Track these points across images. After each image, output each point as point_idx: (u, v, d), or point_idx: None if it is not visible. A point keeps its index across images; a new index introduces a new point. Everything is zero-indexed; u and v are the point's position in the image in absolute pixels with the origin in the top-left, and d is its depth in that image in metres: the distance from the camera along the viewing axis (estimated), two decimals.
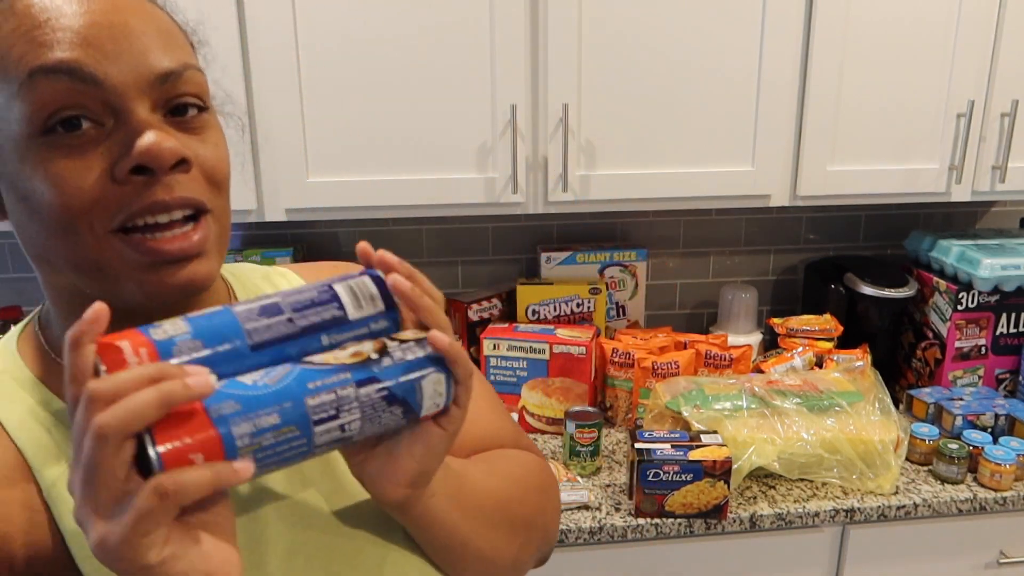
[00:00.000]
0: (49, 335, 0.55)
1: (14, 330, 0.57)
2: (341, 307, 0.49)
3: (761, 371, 1.62)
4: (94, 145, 0.45)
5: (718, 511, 1.30)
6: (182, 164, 0.47)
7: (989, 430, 1.49)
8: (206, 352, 0.43)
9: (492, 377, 1.66)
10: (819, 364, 1.63)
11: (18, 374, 0.53)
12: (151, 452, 0.38)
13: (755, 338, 1.81)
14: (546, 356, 1.56)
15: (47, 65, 0.43)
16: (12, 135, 0.45)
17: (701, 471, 1.27)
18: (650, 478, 1.27)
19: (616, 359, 1.62)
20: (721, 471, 1.27)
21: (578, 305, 1.73)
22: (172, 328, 0.43)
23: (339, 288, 0.49)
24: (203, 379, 0.39)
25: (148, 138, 0.45)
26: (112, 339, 0.41)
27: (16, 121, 0.44)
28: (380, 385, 0.47)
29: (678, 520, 1.30)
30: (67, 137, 0.44)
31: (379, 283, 0.51)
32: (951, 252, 1.66)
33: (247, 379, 0.43)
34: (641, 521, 1.30)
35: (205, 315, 0.45)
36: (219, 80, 1.33)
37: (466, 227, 1.83)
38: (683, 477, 1.27)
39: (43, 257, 0.49)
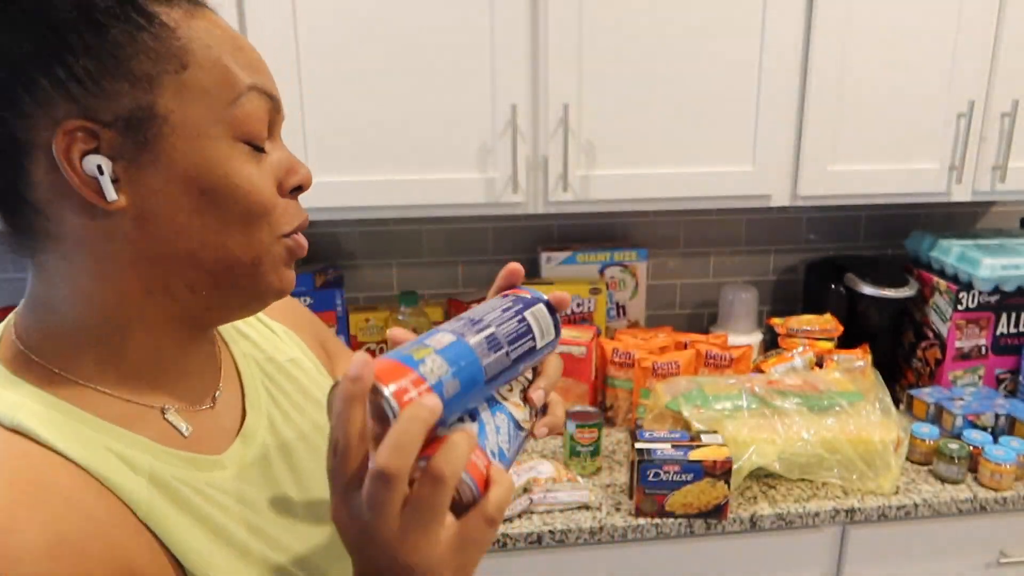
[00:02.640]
0: (56, 354, 0.52)
1: None
2: (533, 338, 0.54)
3: (761, 371, 1.62)
4: (261, 160, 0.53)
5: (719, 511, 1.29)
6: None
7: (989, 430, 1.49)
8: (459, 391, 0.47)
9: None
10: (819, 364, 1.63)
11: (56, 406, 0.51)
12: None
13: (755, 338, 1.81)
14: None
15: (261, 87, 0.52)
16: (210, 135, 0.50)
17: (701, 471, 1.27)
18: (650, 478, 1.27)
19: (616, 359, 1.62)
20: (721, 471, 1.27)
21: (578, 305, 1.73)
22: (435, 366, 0.47)
23: (529, 318, 0.55)
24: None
25: (305, 166, 0.57)
26: (402, 391, 0.44)
27: (219, 123, 0.50)
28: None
29: (678, 520, 1.30)
30: (255, 153, 0.52)
31: (551, 312, 0.56)
32: (951, 252, 1.66)
33: (495, 440, 0.50)
34: (641, 521, 1.30)
35: (450, 347, 0.48)
36: None
37: (466, 227, 1.83)
38: (683, 477, 1.27)
39: (182, 253, 0.51)
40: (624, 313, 1.83)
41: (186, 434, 0.55)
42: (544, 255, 1.76)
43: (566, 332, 1.62)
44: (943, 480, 1.42)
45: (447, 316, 1.78)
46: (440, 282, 1.86)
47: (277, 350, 0.69)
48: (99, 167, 0.47)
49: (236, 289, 0.54)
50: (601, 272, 1.78)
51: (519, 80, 1.40)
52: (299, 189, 0.56)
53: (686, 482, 1.28)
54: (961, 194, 1.57)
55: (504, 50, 1.38)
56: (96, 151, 0.47)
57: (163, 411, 0.55)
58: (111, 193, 0.48)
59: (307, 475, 0.62)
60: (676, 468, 1.27)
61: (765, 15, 1.42)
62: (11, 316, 0.55)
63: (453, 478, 0.44)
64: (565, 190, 1.46)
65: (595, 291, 1.72)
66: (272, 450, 0.60)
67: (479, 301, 1.74)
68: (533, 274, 1.86)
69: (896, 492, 1.38)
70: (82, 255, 0.50)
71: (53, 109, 0.46)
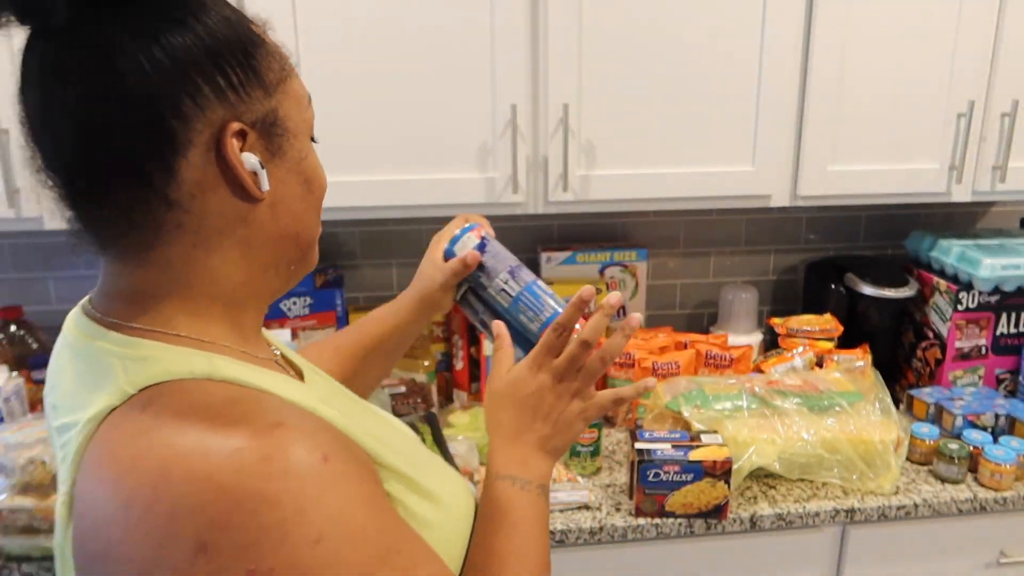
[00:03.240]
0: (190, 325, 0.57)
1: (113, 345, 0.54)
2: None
3: (761, 371, 1.62)
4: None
5: (718, 511, 1.29)
6: None
7: (989, 430, 1.49)
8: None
9: None
10: (819, 364, 1.63)
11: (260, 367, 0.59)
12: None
13: (755, 338, 1.81)
14: None
15: (310, 95, 0.63)
16: (303, 133, 0.60)
17: (701, 471, 1.27)
18: (650, 478, 1.27)
19: (617, 359, 1.61)
20: (721, 471, 1.27)
21: None
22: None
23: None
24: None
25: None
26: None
27: (304, 123, 0.60)
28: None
29: (678, 520, 1.30)
30: (312, 143, 0.62)
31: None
32: (951, 252, 1.66)
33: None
34: (641, 521, 1.30)
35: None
36: None
37: None
38: (683, 477, 1.27)
39: (292, 234, 0.60)
40: (624, 313, 1.83)
41: (292, 375, 0.64)
42: (544, 255, 1.76)
43: None
44: (943, 480, 1.42)
45: (447, 316, 1.78)
46: None
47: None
48: (259, 161, 0.55)
49: (306, 264, 0.64)
50: (601, 272, 1.78)
51: (519, 80, 1.40)
52: None
53: (686, 482, 1.28)
54: (961, 194, 1.57)
55: (504, 50, 1.38)
56: (243, 150, 0.54)
57: (276, 359, 0.64)
58: (266, 183, 0.56)
59: (355, 411, 0.69)
60: (676, 468, 1.27)
61: (765, 15, 1.42)
62: (98, 306, 0.57)
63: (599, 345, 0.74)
64: (565, 190, 1.46)
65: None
66: (331, 384, 0.72)
67: None
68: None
69: (896, 492, 1.38)
70: (219, 241, 0.56)
71: (210, 112, 0.52)
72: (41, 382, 1.48)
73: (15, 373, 1.46)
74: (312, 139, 0.62)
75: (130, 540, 0.44)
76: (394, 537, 0.51)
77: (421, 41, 1.37)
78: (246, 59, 0.54)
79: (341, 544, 0.46)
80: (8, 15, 0.48)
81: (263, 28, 0.58)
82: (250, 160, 0.54)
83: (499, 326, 0.80)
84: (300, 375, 0.69)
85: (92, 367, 0.54)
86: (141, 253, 0.55)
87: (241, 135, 0.54)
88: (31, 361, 1.48)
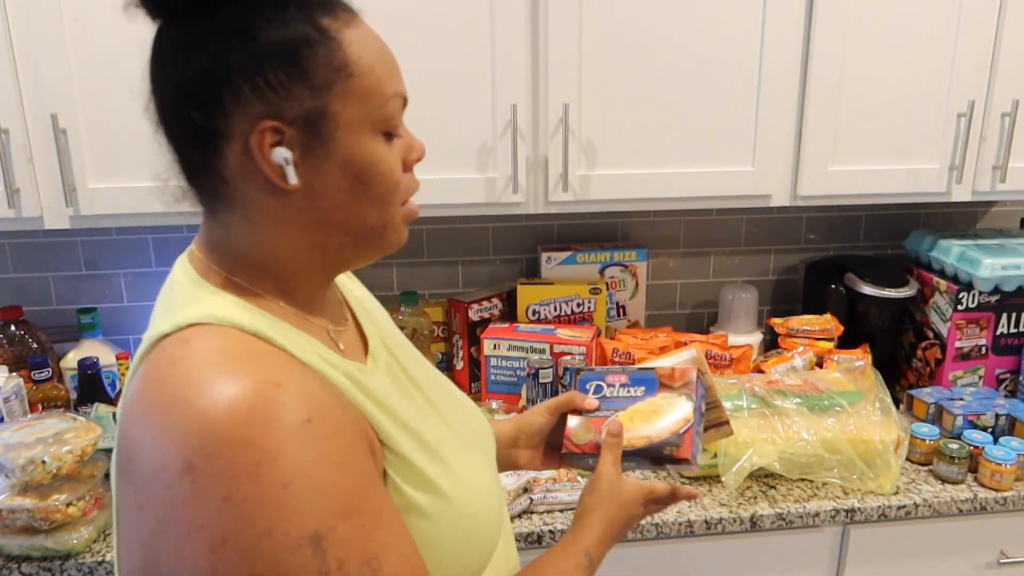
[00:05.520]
0: (277, 296, 0.66)
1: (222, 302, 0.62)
2: None
3: (761, 371, 1.62)
4: (393, 145, 0.65)
5: (675, 444, 0.88)
6: None
7: (989, 430, 1.49)
8: None
9: (492, 377, 1.66)
10: (819, 364, 1.63)
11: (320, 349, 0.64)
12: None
13: (755, 338, 1.81)
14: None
15: (401, 92, 0.65)
16: (364, 131, 0.62)
17: (655, 383, 0.93)
18: (590, 393, 0.95)
19: (616, 359, 1.62)
20: (682, 383, 0.93)
21: (579, 305, 1.73)
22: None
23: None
24: None
25: (420, 142, 0.69)
26: None
27: (369, 121, 0.62)
28: None
29: (678, 520, 1.30)
30: (389, 139, 0.64)
31: None
32: (951, 252, 1.66)
33: None
34: (641, 521, 1.30)
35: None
36: None
37: (466, 227, 1.83)
38: (632, 392, 0.93)
39: (337, 221, 0.63)
40: (624, 313, 1.83)
41: (342, 347, 0.70)
42: (544, 255, 1.76)
43: (566, 332, 1.63)
44: (943, 480, 1.42)
45: (447, 316, 1.78)
46: (440, 282, 1.86)
47: (362, 292, 0.85)
48: (285, 158, 0.59)
49: (368, 247, 0.67)
50: (601, 272, 1.78)
51: (519, 80, 1.40)
52: (416, 162, 0.69)
53: (637, 398, 0.93)
54: (961, 194, 1.57)
55: (504, 50, 1.38)
56: (280, 144, 0.59)
57: (327, 330, 0.69)
58: (293, 179, 0.60)
59: (422, 385, 0.76)
60: (623, 380, 0.95)
61: (765, 15, 1.42)
62: (193, 249, 0.67)
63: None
64: (565, 190, 1.46)
65: (595, 291, 1.72)
66: (392, 363, 0.75)
67: (479, 301, 1.74)
68: (533, 274, 1.86)
69: (896, 492, 1.38)
70: (262, 220, 0.63)
71: (250, 108, 0.58)
72: (41, 382, 1.48)
73: (15, 373, 1.46)
74: (388, 133, 0.64)
75: (143, 443, 0.54)
76: (361, 498, 0.56)
77: (421, 41, 1.37)
78: (292, 60, 0.58)
79: (307, 492, 0.53)
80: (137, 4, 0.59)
81: (346, 19, 0.61)
82: (279, 155, 0.59)
83: (619, 424, 0.90)
84: (365, 345, 0.75)
85: (171, 299, 0.64)
86: (214, 214, 0.64)
87: (277, 131, 0.59)
88: (31, 361, 1.48)
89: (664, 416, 0.91)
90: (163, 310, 0.64)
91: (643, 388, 0.93)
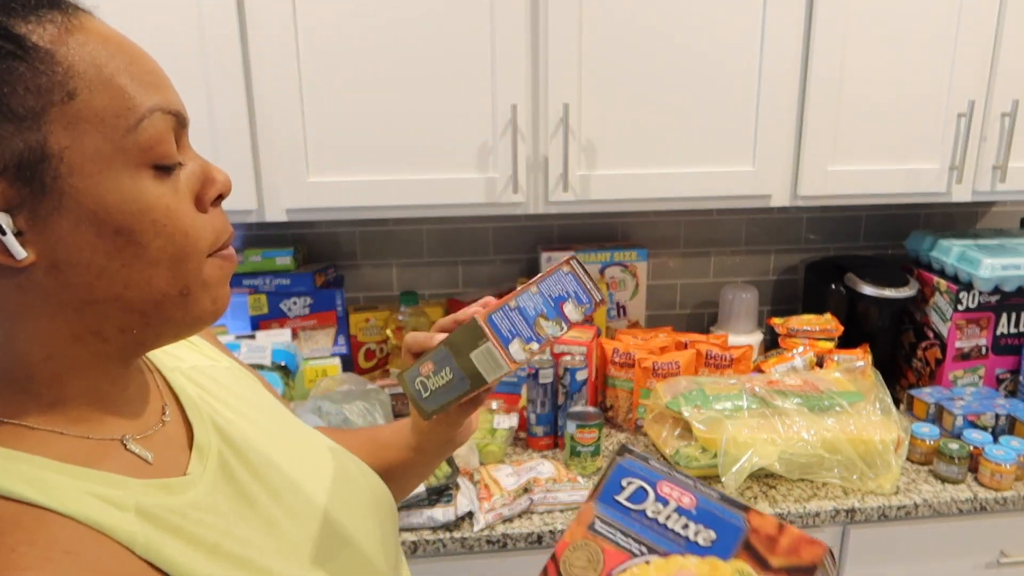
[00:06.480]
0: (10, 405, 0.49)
1: None
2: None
3: (762, 371, 1.62)
4: (173, 181, 0.49)
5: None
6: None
7: (989, 430, 1.49)
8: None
9: None
10: (820, 364, 1.63)
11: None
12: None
13: (756, 338, 1.81)
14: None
15: (164, 107, 0.48)
16: (113, 167, 0.46)
17: (737, 537, 0.49)
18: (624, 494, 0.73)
19: (617, 359, 1.62)
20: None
21: None
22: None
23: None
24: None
25: (222, 171, 0.52)
26: None
27: (120, 152, 0.46)
28: None
29: None
30: (163, 174, 0.48)
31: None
32: (951, 252, 1.66)
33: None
34: None
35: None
36: (220, 82, 1.33)
37: (467, 227, 1.83)
38: (688, 531, 0.51)
39: (105, 298, 0.48)
40: (624, 313, 1.83)
41: (151, 461, 0.53)
42: (544, 255, 1.76)
43: (566, 333, 1.62)
44: (943, 480, 1.42)
45: (445, 314, 1.78)
46: (440, 282, 1.86)
47: (196, 356, 0.67)
48: (0, 227, 0.43)
49: (170, 323, 0.51)
50: (601, 272, 1.78)
51: (519, 80, 1.40)
52: (219, 199, 0.53)
53: (692, 547, 0.55)
54: (961, 194, 1.57)
55: (504, 50, 1.38)
56: None
57: (123, 443, 0.52)
58: (19, 251, 0.44)
59: (264, 469, 0.61)
60: (686, 499, 0.66)
61: (765, 15, 1.42)
62: None
63: None
64: (565, 190, 1.46)
65: None
66: (227, 455, 0.59)
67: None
68: (533, 274, 1.86)
69: (896, 492, 1.38)
70: None
71: None
72: None
73: None
74: (159, 167, 0.48)
75: None
76: None
77: (421, 41, 1.37)
78: None
79: None
80: None
81: (57, 27, 0.45)
82: None
83: None
84: (189, 441, 0.58)
85: None
86: None
87: None
88: None
89: None
90: None
91: (713, 535, 0.50)
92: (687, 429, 1.41)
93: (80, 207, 0.45)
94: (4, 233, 0.43)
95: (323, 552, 0.59)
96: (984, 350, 1.66)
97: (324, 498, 0.64)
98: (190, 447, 0.57)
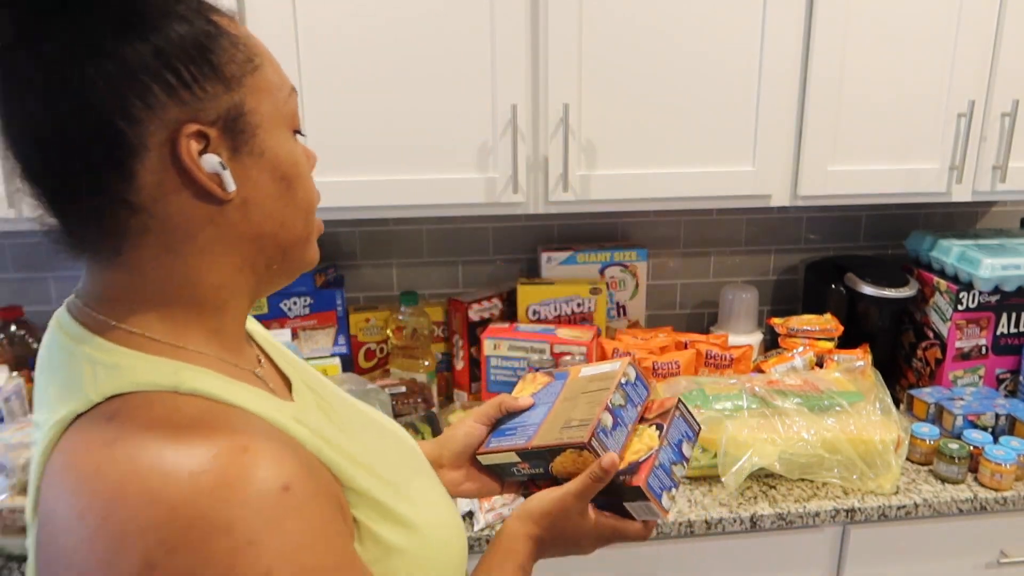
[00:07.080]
0: (164, 333, 0.55)
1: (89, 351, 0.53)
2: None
3: (762, 371, 1.62)
4: (302, 145, 0.61)
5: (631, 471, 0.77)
6: None
7: (990, 430, 1.49)
8: None
9: (492, 377, 1.66)
10: (819, 364, 1.63)
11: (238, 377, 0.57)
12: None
13: (756, 338, 1.81)
14: None
15: (294, 86, 0.60)
16: (280, 127, 0.57)
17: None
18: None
19: (616, 359, 1.61)
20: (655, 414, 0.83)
21: (579, 305, 1.73)
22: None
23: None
24: None
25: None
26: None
27: (281, 116, 0.58)
28: None
29: (678, 520, 1.30)
30: (297, 137, 0.60)
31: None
32: (951, 252, 1.66)
33: None
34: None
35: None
36: None
37: (467, 227, 1.83)
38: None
39: (269, 233, 0.58)
40: (624, 313, 1.83)
41: (272, 387, 0.62)
42: (544, 255, 1.76)
43: (566, 332, 1.62)
44: (943, 480, 1.42)
45: (447, 316, 1.78)
46: (440, 282, 1.86)
47: (252, 324, 0.74)
48: (221, 163, 0.53)
49: (295, 263, 0.61)
50: (601, 272, 1.78)
51: (519, 80, 1.40)
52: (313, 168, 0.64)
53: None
54: (961, 194, 1.57)
55: (504, 50, 1.38)
56: (205, 150, 0.52)
57: (255, 372, 0.61)
58: (231, 185, 0.54)
59: (347, 423, 0.67)
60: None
61: (765, 15, 1.42)
62: (80, 304, 0.57)
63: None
64: (565, 190, 1.46)
65: (595, 291, 1.72)
66: (321, 403, 0.67)
67: (480, 301, 1.75)
68: (533, 274, 1.86)
69: (896, 492, 1.38)
70: (185, 245, 0.54)
71: (164, 113, 0.51)
72: None
73: (15, 373, 1.46)
74: (297, 132, 0.60)
75: (82, 551, 0.44)
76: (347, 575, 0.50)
77: (421, 41, 1.37)
78: (200, 54, 0.52)
79: None
80: None
81: (230, 17, 0.56)
82: (210, 162, 0.52)
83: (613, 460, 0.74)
84: (288, 384, 0.67)
85: (65, 369, 0.53)
86: (114, 258, 0.54)
87: (201, 136, 0.52)
88: (31, 361, 1.48)
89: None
90: (60, 385, 0.52)
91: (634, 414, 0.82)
92: None
93: (263, 156, 0.56)
94: (225, 168, 0.53)
95: (419, 472, 0.71)
96: (984, 350, 1.66)
97: (394, 447, 0.73)
98: (288, 389, 0.65)
